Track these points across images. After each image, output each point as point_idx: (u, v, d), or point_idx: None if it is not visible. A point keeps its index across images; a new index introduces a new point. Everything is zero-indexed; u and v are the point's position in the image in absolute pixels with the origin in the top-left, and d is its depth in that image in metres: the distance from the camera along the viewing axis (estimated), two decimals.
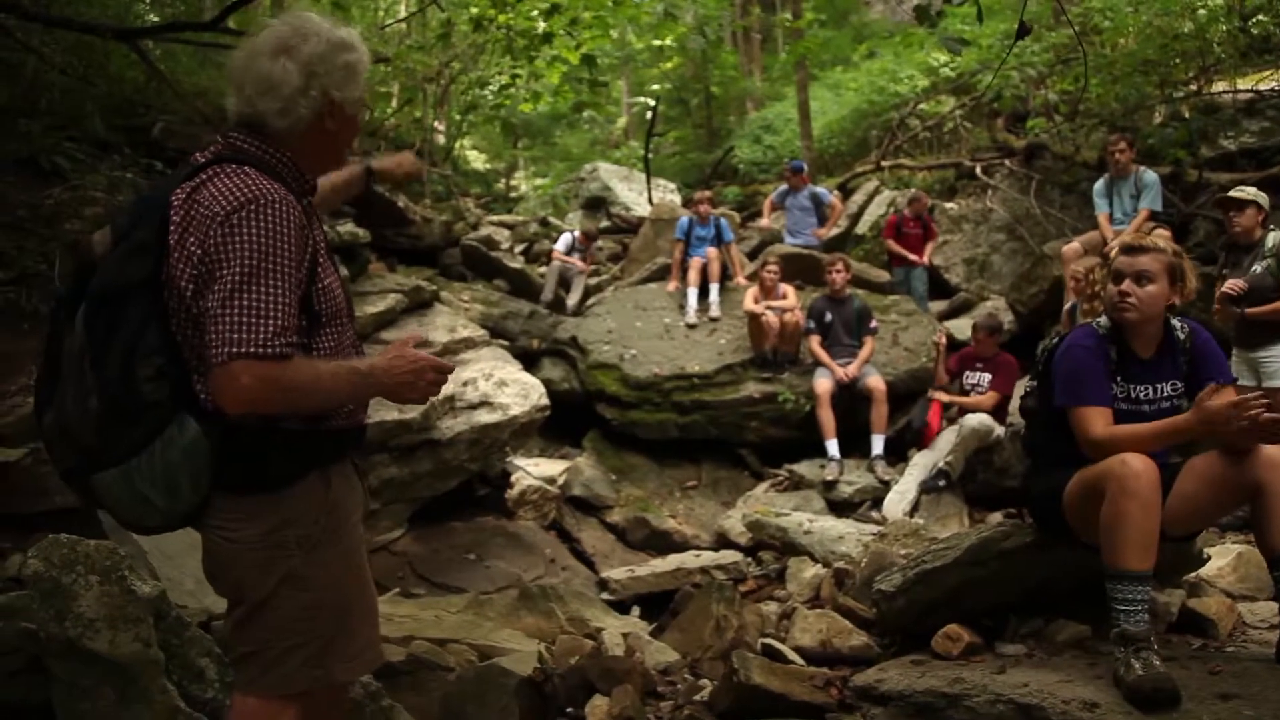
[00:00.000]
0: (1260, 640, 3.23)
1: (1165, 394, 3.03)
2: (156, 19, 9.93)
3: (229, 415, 1.74)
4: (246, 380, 1.68)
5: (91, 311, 1.79)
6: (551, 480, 7.20)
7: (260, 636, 1.92)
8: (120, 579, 2.79)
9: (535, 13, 6.54)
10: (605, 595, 5.65)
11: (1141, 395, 3.02)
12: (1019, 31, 3.04)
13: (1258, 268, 4.86)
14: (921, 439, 6.78)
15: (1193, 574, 3.67)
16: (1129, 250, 3.01)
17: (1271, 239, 4.89)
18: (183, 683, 2.79)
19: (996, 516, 6.21)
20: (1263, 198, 5.01)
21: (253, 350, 1.68)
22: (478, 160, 23.11)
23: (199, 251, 1.73)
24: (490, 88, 11.10)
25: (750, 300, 7.85)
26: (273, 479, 1.86)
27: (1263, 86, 8.69)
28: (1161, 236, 6.21)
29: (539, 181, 22.30)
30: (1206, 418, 2.69)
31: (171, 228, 1.76)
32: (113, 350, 1.76)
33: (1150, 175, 7.22)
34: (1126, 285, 2.96)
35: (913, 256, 9.31)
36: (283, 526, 1.88)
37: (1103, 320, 3.10)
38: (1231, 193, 5.02)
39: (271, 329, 1.70)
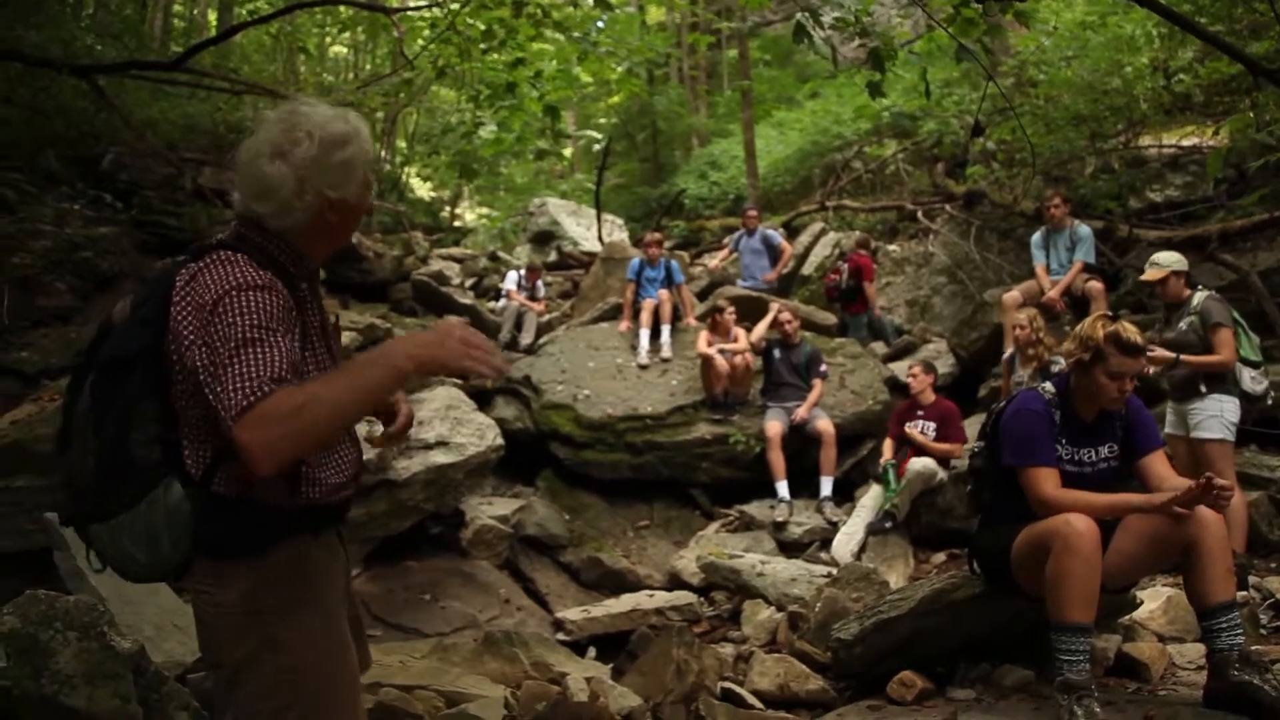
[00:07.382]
0: (1189, 682, 3.46)
1: (1103, 456, 3.26)
2: (100, 47, 9.73)
3: (262, 473, 1.75)
4: (244, 436, 1.70)
5: (97, 377, 1.93)
6: (504, 519, 7.21)
7: (246, 703, 1.94)
8: (99, 635, 2.82)
9: (500, 65, 6.67)
10: (561, 636, 5.68)
11: (1085, 457, 3.25)
12: (974, 130, 3.27)
13: (1183, 324, 5.18)
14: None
15: (1127, 617, 3.90)
16: (1130, 350, 3.19)
17: (1196, 298, 5.19)
18: None
19: (940, 557, 6.43)
20: (1177, 262, 5.29)
21: (243, 405, 1.70)
22: (423, 189, 23.07)
23: (190, 336, 1.82)
24: (453, 129, 11.14)
25: (703, 343, 7.98)
26: (247, 544, 1.92)
27: (1185, 142, 9.17)
28: (1095, 288, 6.57)
29: (484, 212, 22.29)
30: (1162, 506, 2.92)
31: (172, 307, 1.86)
32: (111, 414, 1.88)
33: (1084, 229, 7.58)
34: (1127, 385, 3.21)
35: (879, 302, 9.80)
36: (259, 592, 1.92)
37: (1048, 386, 3.32)
38: (1147, 275, 5.31)
39: (255, 382, 1.72)
